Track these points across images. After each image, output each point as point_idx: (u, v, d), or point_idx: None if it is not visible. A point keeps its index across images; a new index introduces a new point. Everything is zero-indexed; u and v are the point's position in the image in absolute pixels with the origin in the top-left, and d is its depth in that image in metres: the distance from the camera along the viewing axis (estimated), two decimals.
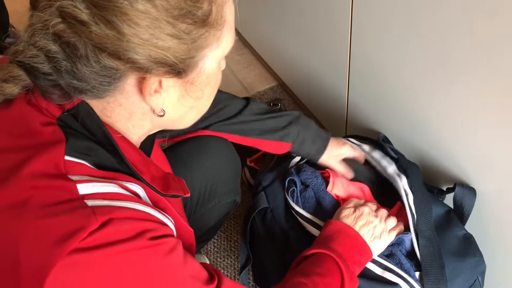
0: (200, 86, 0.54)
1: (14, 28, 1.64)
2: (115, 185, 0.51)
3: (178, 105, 0.55)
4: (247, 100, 0.94)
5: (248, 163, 1.27)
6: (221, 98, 0.92)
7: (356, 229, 0.79)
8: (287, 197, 0.91)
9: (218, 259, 1.23)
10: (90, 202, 0.47)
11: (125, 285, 0.48)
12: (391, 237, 0.84)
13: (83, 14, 0.45)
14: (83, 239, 0.45)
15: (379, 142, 1.02)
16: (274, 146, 0.95)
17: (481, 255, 0.86)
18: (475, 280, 0.85)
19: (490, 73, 0.75)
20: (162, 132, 0.65)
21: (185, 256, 0.53)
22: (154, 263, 0.49)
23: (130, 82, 0.50)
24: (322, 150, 0.96)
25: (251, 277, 1.12)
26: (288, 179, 0.93)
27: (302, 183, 0.93)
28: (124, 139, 0.56)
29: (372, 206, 0.86)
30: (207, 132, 0.92)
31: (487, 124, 0.82)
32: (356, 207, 0.84)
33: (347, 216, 0.82)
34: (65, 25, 0.46)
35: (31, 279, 0.45)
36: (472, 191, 0.90)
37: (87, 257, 0.45)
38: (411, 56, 0.90)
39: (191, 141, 0.92)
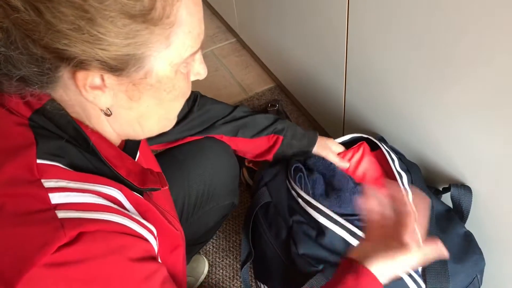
0: (151, 90, 0.51)
1: None
2: (91, 193, 0.48)
3: (127, 107, 0.52)
4: (234, 106, 0.97)
5: (246, 163, 1.28)
6: (206, 102, 0.94)
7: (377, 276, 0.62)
8: (294, 185, 0.92)
9: (217, 259, 1.23)
10: (61, 214, 0.45)
11: None
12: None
13: None
14: (52, 253, 0.43)
15: (380, 142, 1.03)
16: (266, 142, 0.96)
17: (481, 253, 0.87)
18: (474, 278, 0.86)
19: (485, 75, 0.76)
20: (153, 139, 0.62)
21: (165, 284, 0.51)
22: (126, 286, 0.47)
23: (66, 75, 0.48)
24: (314, 140, 0.98)
25: (251, 274, 1.13)
26: (293, 167, 0.94)
27: (309, 169, 0.94)
28: (97, 133, 0.54)
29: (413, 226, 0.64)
30: (197, 137, 0.93)
31: (483, 124, 0.83)
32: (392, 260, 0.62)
33: (379, 263, 0.62)
34: (0, 10, 0.43)
35: (4, 278, 0.43)
36: (468, 189, 0.91)
37: (55, 273, 0.43)
38: (408, 56, 0.91)
39: (187, 144, 0.93)
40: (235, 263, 1.22)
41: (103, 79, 0.48)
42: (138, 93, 0.50)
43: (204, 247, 1.25)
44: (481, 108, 0.81)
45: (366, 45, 1.02)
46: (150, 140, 0.63)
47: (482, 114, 0.82)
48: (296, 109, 1.56)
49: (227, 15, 1.83)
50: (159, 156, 0.92)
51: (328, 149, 1.01)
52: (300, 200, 0.90)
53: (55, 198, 0.46)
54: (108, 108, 0.51)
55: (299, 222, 0.89)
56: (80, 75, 0.46)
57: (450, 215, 0.91)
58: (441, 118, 0.91)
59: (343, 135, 1.25)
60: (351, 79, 1.14)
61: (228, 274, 1.20)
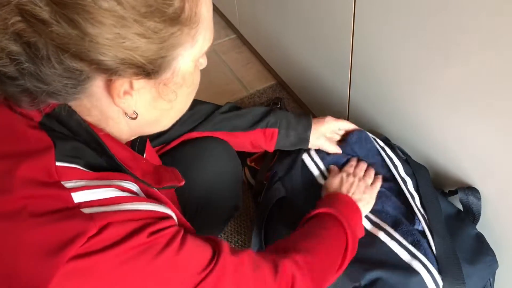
0: (175, 87, 0.52)
1: None
2: (111, 187, 0.50)
3: (152, 107, 0.53)
4: (215, 104, 0.96)
5: (248, 163, 1.26)
6: (195, 103, 0.93)
7: (344, 193, 0.87)
8: (309, 156, 0.98)
9: None
10: (86, 210, 0.46)
11: (123, 284, 0.47)
12: (375, 190, 0.91)
13: (44, 12, 0.41)
14: (82, 244, 0.44)
15: (388, 142, 1.01)
16: (262, 135, 0.95)
17: (494, 255, 0.86)
18: (487, 281, 0.84)
19: (493, 75, 0.74)
20: (152, 140, 0.64)
21: (185, 243, 0.52)
22: (152, 259, 0.48)
23: (98, 84, 0.48)
24: (309, 125, 0.97)
25: None
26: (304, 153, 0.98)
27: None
28: (109, 136, 0.54)
29: (349, 169, 0.94)
30: (193, 135, 0.91)
31: (491, 125, 0.81)
32: (336, 176, 0.92)
33: (332, 185, 0.90)
34: (25, 24, 0.42)
35: (32, 287, 0.43)
36: (475, 191, 0.90)
37: (87, 262, 0.44)
38: (415, 55, 0.89)
39: (189, 145, 0.91)
40: None
41: (131, 84, 0.48)
42: (165, 93, 0.52)
43: None
44: (489, 110, 0.79)
45: (373, 41, 0.99)
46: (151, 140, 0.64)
47: (490, 115, 0.80)
48: (298, 107, 1.54)
49: (227, 11, 1.81)
50: (160, 158, 0.90)
51: (322, 136, 0.99)
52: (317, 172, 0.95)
53: (78, 197, 0.47)
54: (134, 111, 0.52)
55: None
56: (117, 83, 0.47)
57: (460, 217, 0.90)
58: (448, 118, 0.89)
59: None
60: (356, 76, 1.12)
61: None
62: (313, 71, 1.32)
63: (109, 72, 0.46)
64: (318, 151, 1.01)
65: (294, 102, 1.56)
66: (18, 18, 0.42)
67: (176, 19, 0.46)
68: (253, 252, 0.61)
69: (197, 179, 0.89)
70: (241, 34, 1.77)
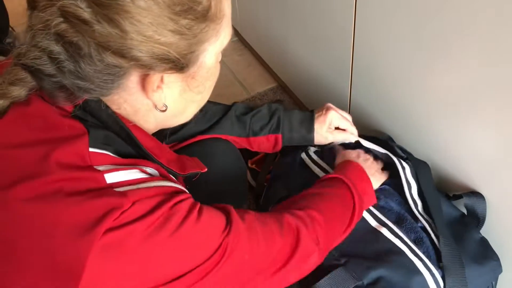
0: (201, 80, 0.56)
1: (13, 30, 1.62)
2: (137, 170, 0.53)
3: (180, 99, 0.57)
4: (228, 105, 0.97)
5: (249, 165, 1.26)
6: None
7: (360, 163, 0.88)
8: (308, 157, 0.98)
9: None
10: (118, 189, 0.49)
11: (154, 254, 0.49)
12: (383, 176, 0.93)
13: (85, 13, 0.45)
14: (116, 218, 0.47)
15: (387, 142, 1.01)
16: (265, 141, 0.96)
17: (498, 259, 0.86)
18: (489, 285, 0.84)
19: (497, 77, 0.74)
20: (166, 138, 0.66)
21: (202, 213, 0.55)
22: (179, 225, 0.51)
23: (133, 79, 0.51)
24: (311, 126, 0.96)
25: None
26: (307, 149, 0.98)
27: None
28: (137, 127, 0.58)
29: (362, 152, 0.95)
30: (205, 137, 0.92)
31: (494, 129, 0.81)
32: (354, 151, 0.94)
33: (348, 154, 0.91)
34: (67, 25, 0.45)
35: (69, 264, 0.45)
36: (480, 196, 0.89)
37: (120, 234, 0.47)
38: (416, 55, 0.89)
39: (195, 146, 0.92)
40: None
41: (162, 78, 0.51)
42: (191, 85, 0.55)
43: None
44: (493, 112, 0.79)
45: (373, 42, 0.99)
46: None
47: (494, 118, 0.80)
48: (299, 109, 1.54)
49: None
50: None
51: (327, 131, 0.98)
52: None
53: (109, 178, 0.50)
54: (164, 104, 0.55)
55: None
56: (152, 78, 0.51)
57: (465, 221, 0.90)
58: (451, 121, 0.89)
59: None
60: (357, 78, 1.12)
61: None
62: (314, 73, 1.32)
63: (146, 67, 0.49)
64: (316, 151, 1.01)
65: (295, 105, 1.56)
66: (61, 19, 0.45)
67: (205, 16, 0.50)
68: (255, 211, 0.65)
69: (204, 179, 0.89)
70: (242, 37, 1.77)
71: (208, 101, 0.95)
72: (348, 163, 0.88)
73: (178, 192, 0.55)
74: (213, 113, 0.95)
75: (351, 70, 1.12)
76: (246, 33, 1.73)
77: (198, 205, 0.56)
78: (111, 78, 0.49)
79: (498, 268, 0.86)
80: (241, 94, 1.63)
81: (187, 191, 0.59)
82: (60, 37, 0.46)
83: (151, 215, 0.49)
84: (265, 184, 1.06)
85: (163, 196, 0.52)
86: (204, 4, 0.50)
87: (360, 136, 1.01)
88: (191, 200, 0.55)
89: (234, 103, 0.98)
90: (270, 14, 1.42)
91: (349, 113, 1.22)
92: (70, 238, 0.46)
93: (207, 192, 0.90)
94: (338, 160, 0.93)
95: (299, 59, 1.38)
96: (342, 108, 1.23)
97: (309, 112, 0.99)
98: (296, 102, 1.55)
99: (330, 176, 0.82)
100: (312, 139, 0.97)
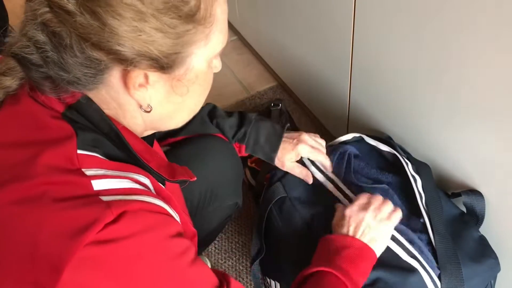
0: (187, 84, 0.54)
1: (13, 30, 1.62)
2: (128, 179, 0.52)
3: (166, 102, 0.55)
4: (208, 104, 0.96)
5: (249, 163, 1.26)
6: None
7: (351, 233, 0.76)
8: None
9: (219, 261, 1.22)
10: (105, 198, 0.48)
11: (135, 279, 0.48)
12: (394, 221, 0.80)
13: (70, 4, 0.45)
14: (99, 231, 0.46)
15: (388, 141, 1.01)
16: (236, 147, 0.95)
17: (496, 257, 0.86)
18: (488, 284, 0.84)
19: (498, 76, 0.74)
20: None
21: (196, 261, 0.53)
22: (166, 262, 0.50)
23: (115, 74, 0.51)
24: (275, 146, 0.92)
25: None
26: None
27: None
28: (127, 129, 0.57)
29: (362, 199, 0.81)
30: (177, 139, 0.93)
31: (494, 128, 0.81)
32: (344, 215, 0.79)
33: (337, 227, 0.79)
34: (52, 15, 0.46)
35: (48, 271, 0.45)
36: (479, 194, 0.90)
37: (103, 250, 0.46)
38: (416, 54, 0.89)
39: (190, 143, 0.92)
40: (237, 264, 1.21)
41: (146, 77, 0.51)
42: (178, 88, 0.54)
43: (206, 248, 1.23)
44: (492, 111, 0.79)
45: (373, 41, 1.00)
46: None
47: (493, 118, 0.80)
48: (299, 108, 1.54)
49: (228, 13, 1.80)
50: None
51: (289, 161, 0.93)
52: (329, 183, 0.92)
53: (97, 184, 0.49)
54: (148, 104, 0.54)
55: (320, 215, 0.88)
56: (133, 74, 0.50)
57: (464, 219, 0.90)
58: (450, 120, 0.89)
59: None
60: (357, 77, 1.12)
61: (230, 276, 1.18)
62: (314, 72, 1.32)
63: (126, 63, 0.48)
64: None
65: (295, 104, 1.56)
66: (47, 9, 0.46)
67: (192, 17, 0.49)
68: None
69: (199, 177, 0.89)
70: (242, 36, 1.77)
71: None
72: (342, 242, 0.75)
73: (170, 216, 0.54)
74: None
75: (351, 69, 1.12)
76: (245, 32, 1.73)
77: (195, 250, 0.55)
78: (92, 72, 0.49)
79: (496, 267, 0.86)
80: (241, 93, 1.64)
81: (176, 216, 0.57)
82: (45, 27, 0.47)
83: (140, 236, 0.48)
84: (265, 183, 1.06)
85: (154, 216, 0.51)
86: (191, 5, 0.49)
87: (364, 134, 1.01)
88: (187, 241, 0.54)
89: (207, 104, 0.95)
90: (270, 13, 1.42)
91: (348, 113, 1.23)
92: (53, 242, 0.46)
93: (202, 190, 0.90)
94: (336, 223, 0.80)
95: (299, 58, 1.38)
96: (341, 107, 1.24)
97: (279, 128, 0.94)
98: (296, 101, 1.56)
99: (322, 269, 0.71)
100: (273, 158, 0.92)
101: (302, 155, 0.93)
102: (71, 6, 0.45)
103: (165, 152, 0.92)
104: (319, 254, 0.76)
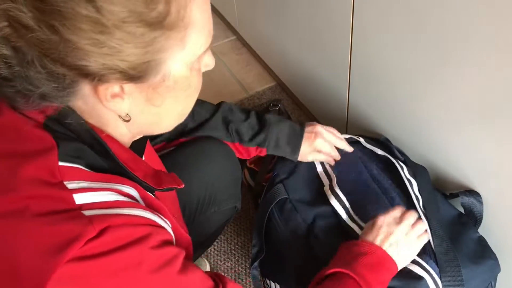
0: (165, 91, 0.51)
1: None
2: (112, 191, 0.50)
3: (147, 110, 0.53)
4: (218, 104, 0.94)
5: (247, 164, 1.26)
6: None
7: (378, 243, 0.76)
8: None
9: (219, 262, 1.21)
10: (87, 212, 0.47)
11: None
12: (422, 242, 0.80)
13: (27, 17, 0.42)
14: (81, 247, 0.44)
15: (385, 143, 1.01)
16: (253, 150, 0.95)
17: (496, 258, 0.85)
18: (488, 284, 0.84)
19: (496, 77, 0.74)
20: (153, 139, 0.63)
21: (187, 267, 0.52)
22: (152, 273, 0.49)
23: (85, 87, 0.48)
24: (297, 146, 0.94)
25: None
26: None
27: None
28: (111, 137, 0.55)
29: (397, 212, 0.81)
30: (188, 139, 0.92)
31: (491, 129, 0.81)
32: (376, 222, 0.79)
33: (366, 233, 0.79)
34: (11, 29, 0.43)
35: (33, 277, 0.44)
36: (476, 195, 0.90)
37: (85, 266, 0.45)
38: (414, 56, 0.89)
39: (188, 146, 0.91)
40: (236, 266, 1.20)
41: (122, 87, 0.48)
42: (157, 96, 0.51)
43: (205, 251, 1.23)
44: (490, 112, 0.79)
45: (372, 42, 0.99)
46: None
47: (490, 118, 0.79)
48: (298, 109, 1.54)
49: (227, 13, 1.81)
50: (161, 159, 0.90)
51: (311, 154, 0.95)
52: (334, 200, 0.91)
53: (79, 198, 0.48)
54: (127, 114, 0.52)
55: (322, 217, 0.88)
56: (102, 88, 0.47)
57: (462, 220, 0.90)
58: (448, 121, 0.89)
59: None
60: (356, 77, 1.12)
61: (229, 277, 1.18)
62: (313, 73, 1.32)
63: (92, 77, 0.45)
64: None
65: (294, 104, 1.56)
66: (6, 23, 0.42)
67: (159, 24, 0.45)
68: None
69: (197, 180, 0.88)
70: (240, 36, 1.77)
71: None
72: (366, 247, 0.75)
73: (158, 226, 0.52)
74: (199, 113, 0.93)
75: (349, 69, 1.12)
76: (244, 32, 1.73)
77: (183, 256, 0.53)
78: (61, 87, 0.46)
79: (496, 267, 0.86)
80: (240, 93, 1.63)
81: (167, 224, 0.56)
82: (7, 41, 0.43)
83: (123, 251, 0.47)
84: (264, 184, 1.06)
85: (137, 229, 0.49)
86: (160, 10, 0.44)
87: (361, 136, 1.01)
88: (175, 249, 0.53)
89: (221, 103, 0.95)
90: (269, 13, 1.42)
91: (347, 114, 1.22)
92: (33, 258, 0.44)
93: (200, 193, 0.89)
94: (365, 230, 0.80)
95: (298, 59, 1.38)
96: (340, 108, 1.24)
97: (298, 128, 0.95)
98: (295, 101, 1.55)
99: (340, 270, 0.71)
100: (296, 158, 0.95)
101: (318, 147, 0.95)
102: (28, 20, 0.42)
103: (162, 156, 0.91)
104: (341, 255, 0.76)
